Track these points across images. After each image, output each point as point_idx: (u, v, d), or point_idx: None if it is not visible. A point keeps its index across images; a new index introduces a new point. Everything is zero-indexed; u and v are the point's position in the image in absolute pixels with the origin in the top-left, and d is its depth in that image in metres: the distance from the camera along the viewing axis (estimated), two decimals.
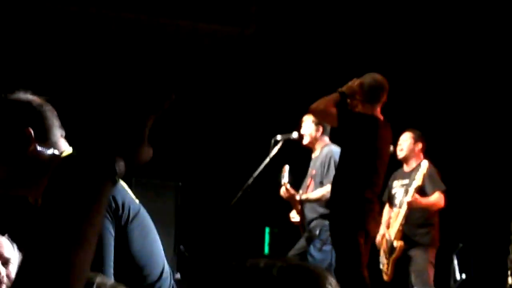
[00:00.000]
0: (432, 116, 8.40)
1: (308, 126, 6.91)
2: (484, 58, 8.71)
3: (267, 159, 7.02)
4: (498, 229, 7.81)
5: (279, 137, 7.06)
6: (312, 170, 6.93)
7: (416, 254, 6.83)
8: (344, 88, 5.83)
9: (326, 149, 6.83)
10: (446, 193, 6.90)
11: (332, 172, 6.50)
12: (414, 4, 8.83)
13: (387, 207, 7.04)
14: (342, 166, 5.85)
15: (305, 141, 6.93)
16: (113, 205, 2.48)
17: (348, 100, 5.84)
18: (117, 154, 1.37)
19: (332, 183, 6.05)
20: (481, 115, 8.77)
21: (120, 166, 1.37)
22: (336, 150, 6.64)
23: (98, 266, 2.34)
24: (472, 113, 8.80)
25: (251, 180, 7.00)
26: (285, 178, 6.83)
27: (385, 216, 6.96)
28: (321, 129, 6.86)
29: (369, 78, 5.83)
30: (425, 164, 6.71)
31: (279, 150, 7.00)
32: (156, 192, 7.70)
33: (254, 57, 9.16)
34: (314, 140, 6.93)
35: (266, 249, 10.91)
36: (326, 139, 6.89)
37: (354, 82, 5.82)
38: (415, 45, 8.83)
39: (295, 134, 7.00)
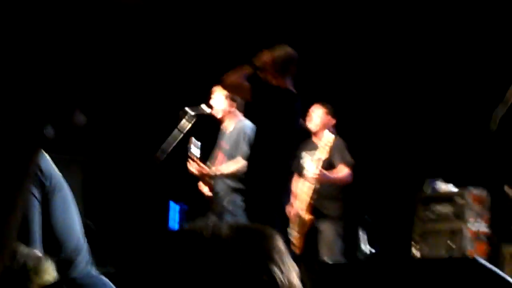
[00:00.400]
0: (339, 91, 8.49)
1: (219, 99, 6.80)
2: (392, 37, 8.85)
3: (176, 131, 6.83)
4: (403, 201, 8.01)
5: (187, 109, 6.88)
6: (222, 142, 6.83)
7: (326, 227, 6.90)
8: (255, 61, 5.78)
9: (239, 124, 6.74)
10: (353, 166, 6.98)
11: (245, 147, 6.46)
12: None
13: (296, 177, 7.07)
14: (261, 140, 5.79)
15: (216, 114, 6.80)
16: (39, 173, 2.41)
17: (260, 73, 5.80)
18: (45, 119, 1.33)
19: (250, 158, 6.02)
20: (386, 91, 8.93)
21: (49, 131, 1.33)
22: (249, 124, 6.59)
23: (25, 233, 2.27)
24: (378, 89, 8.95)
25: (159, 153, 6.83)
26: (194, 151, 6.67)
27: (295, 187, 6.99)
28: (232, 102, 6.77)
29: (280, 50, 5.80)
30: (330, 136, 6.73)
31: (193, 124, 6.84)
32: (63, 167, 7.49)
33: (159, 28, 9.03)
34: (226, 114, 6.82)
35: (171, 223, 10.85)
36: (238, 112, 6.81)
37: (266, 55, 5.78)
38: (325, 18, 8.90)
39: (205, 107, 6.86)
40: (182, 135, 6.77)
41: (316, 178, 6.72)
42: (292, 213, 6.82)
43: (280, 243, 1.44)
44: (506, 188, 7.20)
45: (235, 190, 6.58)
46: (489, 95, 5.62)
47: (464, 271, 4.49)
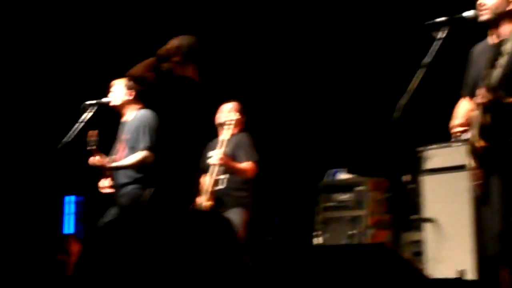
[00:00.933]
0: (243, 85, 8.58)
1: (119, 90, 6.74)
2: (292, 31, 8.99)
3: (78, 125, 6.75)
4: (306, 192, 8.15)
5: (89, 102, 6.81)
6: (124, 134, 6.77)
7: (232, 215, 6.92)
8: (160, 51, 5.75)
9: (139, 114, 6.68)
10: (258, 162, 7.04)
11: (146, 137, 6.42)
12: None
13: (204, 176, 7.09)
14: (164, 131, 5.75)
15: (116, 104, 6.73)
16: None
17: (166, 64, 5.77)
18: None
19: (155, 150, 5.97)
20: (290, 85, 9.07)
21: None
22: (150, 114, 6.54)
23: None
24: (282, 83, 9.09)
25: (60, 145, 6.72)
26: (93, 143, 6.56)
27: (202, 184, 7.01)
28: (133, 93, 6.71)
29: (185, 39, 5.79)
30: (233, 115, 6.77)
31: (93, 116, 6.77)
32: None
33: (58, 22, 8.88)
34: (125, 104, 6.75)
35: (67, 218, 10.67)
36: (138, 102, 6.75)
37: (169, 44, 5.76)
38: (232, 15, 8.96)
39: (106, 99, 6.79)
40: (81, 125, 6.68)
41: (220, 161, 6.73)
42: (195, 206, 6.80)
43: None
44: (403, 177, 7.43)
45: (136, 181, 6.53)
46: (393, 87, 5.78)
47: (372, 257, 4.59)
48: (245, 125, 7.12)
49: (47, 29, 9.08)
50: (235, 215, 6.91)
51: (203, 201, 6.83)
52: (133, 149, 6.58)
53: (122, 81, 6.68)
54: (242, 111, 7.15)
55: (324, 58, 9.14)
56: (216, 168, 6.80)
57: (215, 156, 6.80)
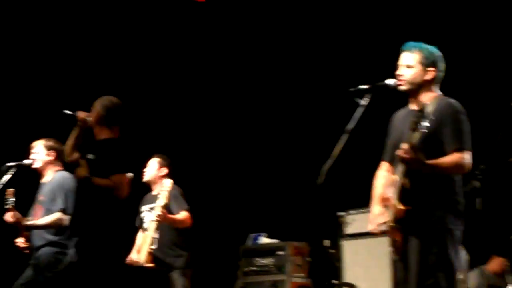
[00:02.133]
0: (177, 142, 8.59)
1: (39, 151, 6.72)
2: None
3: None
4: (227, 256, 8.13)
5: (9, 164, 6.76)
6: (41, 196, 6.72)
7: (173, 279, 6.83)
8: (79, 120, 5.77)
9: (57, 175, 6.66)
10: (191, 212, 7.01)
11: (62, 199, 6.42)
12: None
13: (140, 232, 7.01)
14: (96, 192, 5.66)
15: (36, 165, 6.70)
16: None
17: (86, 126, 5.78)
18: None
19: (70, 212, 5.93)
20: (219, 146, 9.11)
21: None
22: (67, 176, 6.52)
23: None
24: (210, 143, 9.12)
25: None
26: (10, 202, 6.51)
27: (138, 242, 6.93)
28: (53, 153, 6.69)
29: (104, 102, 5.79)
30: (167, 182, 6.77)
31: (12, 177, 6.70)
32: None
33: None
34: (45, 165, 6.73)
35: None
36: (58, 164, 6.72)
37: (90, 113, 5.79)
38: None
39: (27, 160, 6.76)
40: (0, 186, 6.62)
41: (158, 219, 6.67)
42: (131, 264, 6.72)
43: None
44: (324, 242, 7.49)
45: (52, 244, 6.47)
46: (316, 152, 5.87)
47: None
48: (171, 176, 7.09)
49: None
50: (176, 278, 6.83)
51: (141, 259, 6.73)
52: (48, 211, 6.54)
53: (42, 142, 6.68)
54: (167, 163, 7.16)
55: (248, 122, 9.24)
56: (154, 225, 6.74)
57: (154, 212, 6.75)
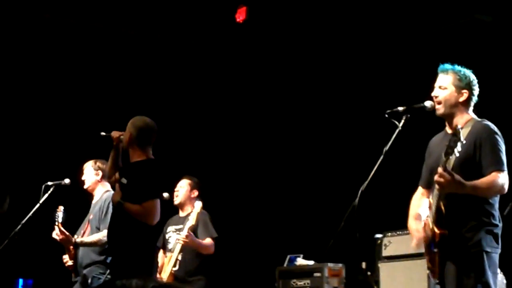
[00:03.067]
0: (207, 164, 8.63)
1: (88, 172, 6.87)
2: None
3: (37, 205, 6.81)
4: (264, 277, 8.12)
5: (50, 183, 6.89)
6: (90, 214, 6.83)
7: None
8: (114, 140, 5.82)
9: (106, 195, 6.77)
10: (216, 239, 7.04)
11: (108, 218, 6.43)
12: None
13: (161, 253, 7.06)
14: (128, 220, 5.68)
15: (86, 186, 6.86)
16: None
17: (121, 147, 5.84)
18: None
19: (111, 229, 5.97)
20: (250, 168, 9.14)
21: None
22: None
23: None
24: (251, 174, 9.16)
25: (19, 227, 6.71)
26: (59, 218, 6.60)
27: (159, 262, 6.96)
28: (100, 173, 6.81)
29: (137, 121, 5.78)
30: (198, 205, 6.82)
31: (50, 195, 6.82)
32: None
33: None
34: (94, 185, 6.88)
35: None
36: (106, 184, 6.82)
37: (118, 133, 5.82)
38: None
39: (67, 180, 6.88)
40: (38, 205, 6.75)
41: (184, 240, 6.70)
42: None
43: None
44: (361, 264, 7.46)
45: (97, 263, 6.55)
46: (353, 174, 5.88)
47: None
48: (204, 201, 7.13)
49: None
50: None
51: (163, 280, 6.77)
52: (97, 230, 6.62)
53: (91, 163, 6.82)
54: (197, 186, 7.19)
55: (285, 143, 9.27)
56: (179, 247, 6.78)
57: (182, 234, 6.78)
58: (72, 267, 6.74)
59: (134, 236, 5.51)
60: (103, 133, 5.99)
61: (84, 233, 6.77)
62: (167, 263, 6.85)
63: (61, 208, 6.62)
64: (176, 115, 9.21)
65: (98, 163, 6.86)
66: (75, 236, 6.74)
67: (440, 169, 4.26)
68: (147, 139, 5.66)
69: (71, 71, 9.08)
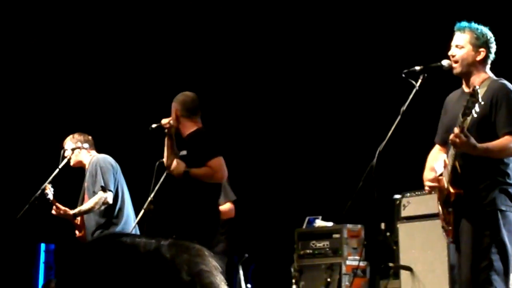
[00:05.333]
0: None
1: (69, 147, 6.95)
2: None
3: (57, 170, 6.89)
4: (283, 238, 8.15)
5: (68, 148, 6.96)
6: (85, 183, 6.93)
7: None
8: (165, 123, 5.94)
9: (94, 159, 6.92)
10: (235, 203, 7.07)
11: (99, 178, 6.65)
12: None
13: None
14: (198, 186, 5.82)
15: (72, 163, 6.95)
16: None
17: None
18: None
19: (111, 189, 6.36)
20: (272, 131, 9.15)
21: None
22: (101, 156, 6.87)
23: None
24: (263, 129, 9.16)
25: (39, 192, 6.79)
26: (50, 196, 6.71)
27: None
28: (80, 144, 6.92)
29: (179, 97, 5.96)
30: None
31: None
32: None
33: None
34: (79, 158, 6.96)
35: (42, 266, 10.59)
36: (90, 151, 6.90)
37: (167, 119, 5.94)
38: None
39: (86, 145, 6.95)
40: (56, 170, 6.87)
41: None
42: None
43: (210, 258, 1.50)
44: (381, 225, 7.48)
45: (100, 227, 6.66)
46: (370, 134, 5.87)
47: None
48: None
49: None
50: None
51: None
52: (93, 194, 6.73)
53: (68, 139, 6.96)
54: None
55: (300, 107, 9.24)
56: None
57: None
58: (83, 238, 6.86)
59: (204, 201, 5.76)
60: (153, 125, 6.12)
61: (83, 201, 6.89)
62: None
63: (48, 186, 6.71)
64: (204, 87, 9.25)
65: (75, 136, 6.94)
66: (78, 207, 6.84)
67: (456, 129, 4.25)
68: (193, 110, 5.92)
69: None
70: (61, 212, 6.70)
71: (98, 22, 9.35)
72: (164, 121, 5.96)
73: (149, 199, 6.07)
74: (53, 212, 6.73)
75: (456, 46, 4.54)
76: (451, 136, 4.26)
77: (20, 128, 9.73)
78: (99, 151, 7.03)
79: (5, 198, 9.16)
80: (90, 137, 6.96)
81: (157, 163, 6.27)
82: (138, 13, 9.29)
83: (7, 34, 9.16)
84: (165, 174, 6.15)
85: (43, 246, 10.60)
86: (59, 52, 9.45)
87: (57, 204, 6.70)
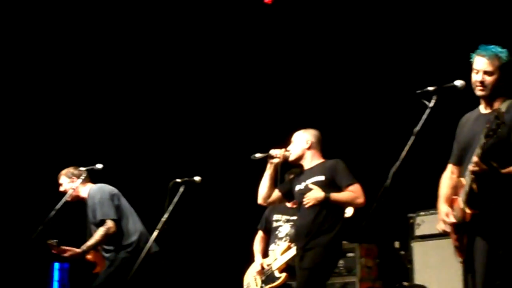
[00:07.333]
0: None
1: (64, 182, 6.96)
2: None
3: (70, 191, 6.89)
4: None
5: (82, 168, 6.95)
6: (87, 217, 6.95)
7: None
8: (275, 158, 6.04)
9: (90, 192, 6.91)
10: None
11: (98, 210, 6.68)
12: None
13: (260, 234, 7.08)
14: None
15: (69, 198, 6.95)
16: None
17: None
18: None
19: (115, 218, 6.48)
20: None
21: None
22: (95, 187, 6.89)
23: None
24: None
25: (53, 213, 6.81)
26: (55, 245, 6.71)
27: (259, 244, 7.00)
28: (75, 178, 6.92)
29: (312, 131, 6.23)
30: None
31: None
32: None
33: None
34: (76, 193, 6.97)
35: (56, 285, 10.62)
36: (86, 184, 6.95)
37: (281, 151, 6.06)
38: None
39: (99, 165, 6.96)
40: (70, 191, 6.90)
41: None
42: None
43: None
44: (395, 243, 7.47)
45: (109, 251, 6.74)
46: (384, 155, 5.87)
47: None
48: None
49: None
50: None
51: (274, 268, 6.73)
52: (97, 225, 6.71)
53: (62, 173, 6.98)
54: None
55: (316, 127, 9.26)
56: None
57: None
58: (101, 269, 6.85)
59: (339, 227, 6.00)
60: (258, 155, 6.11)
61: (91, 235, 6.86)
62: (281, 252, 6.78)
63: (52, 241, 6.70)
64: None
65: (70, 170, 6.96)
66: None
67: (475, 158, 4.23)
68: (321, 144, 6.22)
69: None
70: (70, 253, 6.69)
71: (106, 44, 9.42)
72: (276, 152, 6.03)
73: (163, 219, 6.05)
74: (65, 256, 6.74)
75: (485, 72, 4.50)
76: (470, 167, 4.26)
77: (36, 147, 9.78)
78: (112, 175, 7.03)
79: (20, 218, 9.21)
80: (84, 169, 6.94)
81: (171, 183, 6.29)
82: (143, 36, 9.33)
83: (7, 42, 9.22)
84: (179, 194, 6.14)
85: (57, 265, 10.64)
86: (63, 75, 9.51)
87: (62, 248, 6.71)
